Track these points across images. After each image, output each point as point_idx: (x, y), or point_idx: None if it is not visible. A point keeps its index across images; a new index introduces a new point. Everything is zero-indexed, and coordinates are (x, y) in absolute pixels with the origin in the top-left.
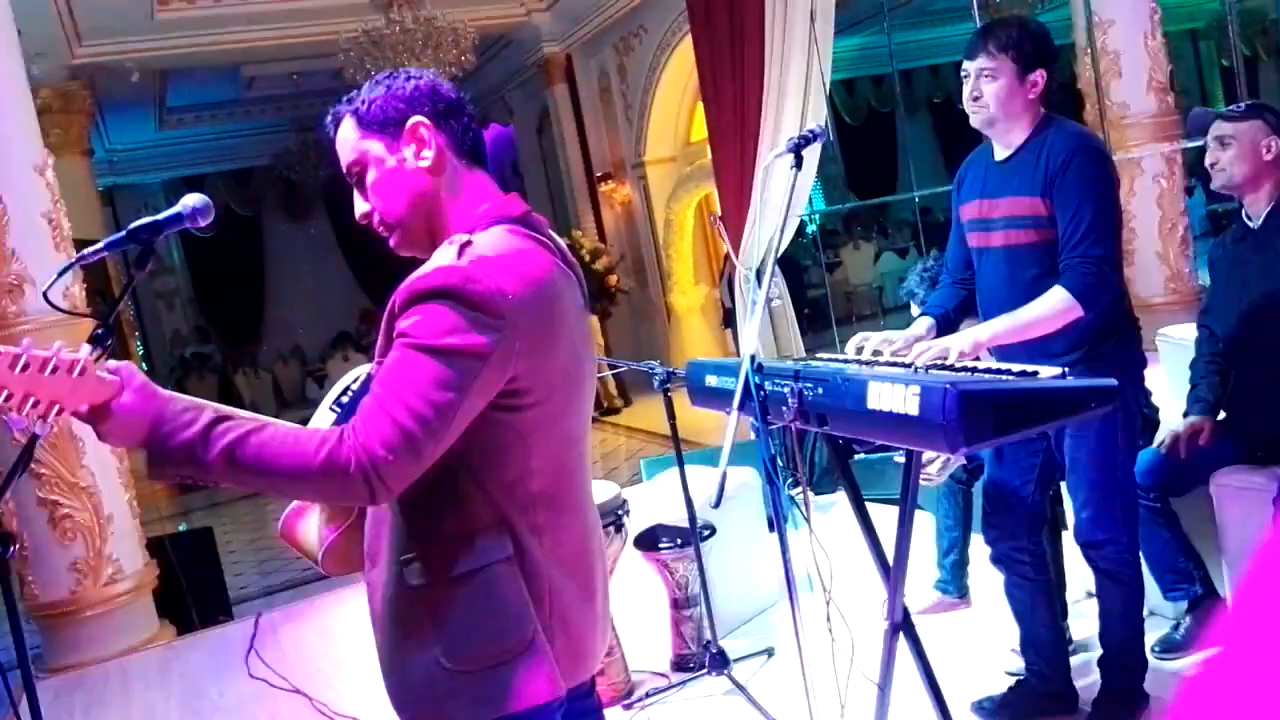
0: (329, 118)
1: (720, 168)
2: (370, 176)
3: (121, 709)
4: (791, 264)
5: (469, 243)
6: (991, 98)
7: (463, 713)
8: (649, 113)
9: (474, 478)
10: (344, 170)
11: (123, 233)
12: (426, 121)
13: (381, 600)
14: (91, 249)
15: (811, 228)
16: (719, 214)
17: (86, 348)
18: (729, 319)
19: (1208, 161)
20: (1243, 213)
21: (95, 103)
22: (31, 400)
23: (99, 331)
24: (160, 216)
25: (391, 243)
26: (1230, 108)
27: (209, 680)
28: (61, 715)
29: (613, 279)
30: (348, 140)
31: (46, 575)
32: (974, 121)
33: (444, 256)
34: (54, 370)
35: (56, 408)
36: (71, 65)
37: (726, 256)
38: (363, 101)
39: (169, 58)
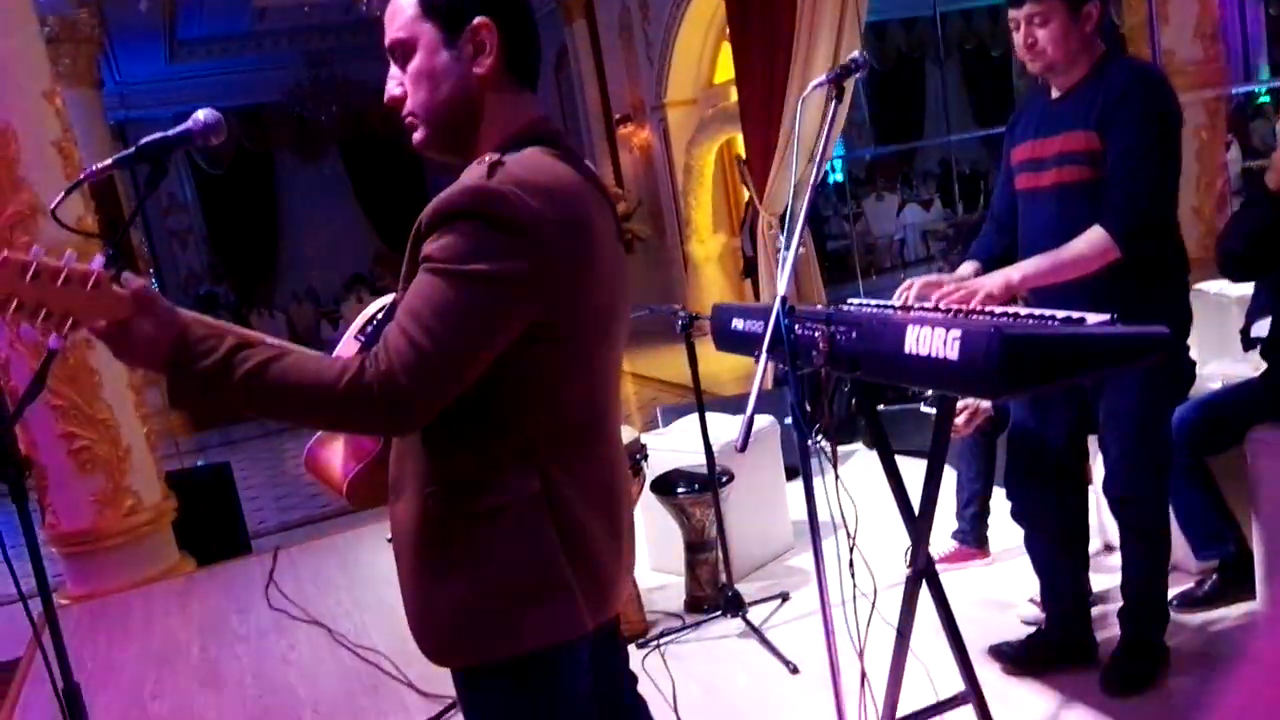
0: None
1: (747, 109)
2: (415, 62)
3: (143, 635)
4: (813, 214)
5: (501, 162)
6: (1048, 42)
7: (486, 647)
8: (671, 52)
9: (502, 410)
10: (386, 43)
11: (132, 149)
12: (493, 25)
13: (406, 533)
14: (100, 164)
15: (834, 177)
16: (744, 158)
17: (100, 259)
18: (749, 268)
19: None
20: None
21: (104, 32)
22: (44, 311)
23: (109, 253)
24: (171, 132)
25: (415, 137)
26: None
27: (229, 610)
28: (85, 640)
29: (630, 226)
30: (402, 12)
31: (67, 506)
32: (1033, 69)
33: (474, 175)
34: (66, 281)
35: (70, 321)
36: None
37: (749, 204)
38: None
39: None
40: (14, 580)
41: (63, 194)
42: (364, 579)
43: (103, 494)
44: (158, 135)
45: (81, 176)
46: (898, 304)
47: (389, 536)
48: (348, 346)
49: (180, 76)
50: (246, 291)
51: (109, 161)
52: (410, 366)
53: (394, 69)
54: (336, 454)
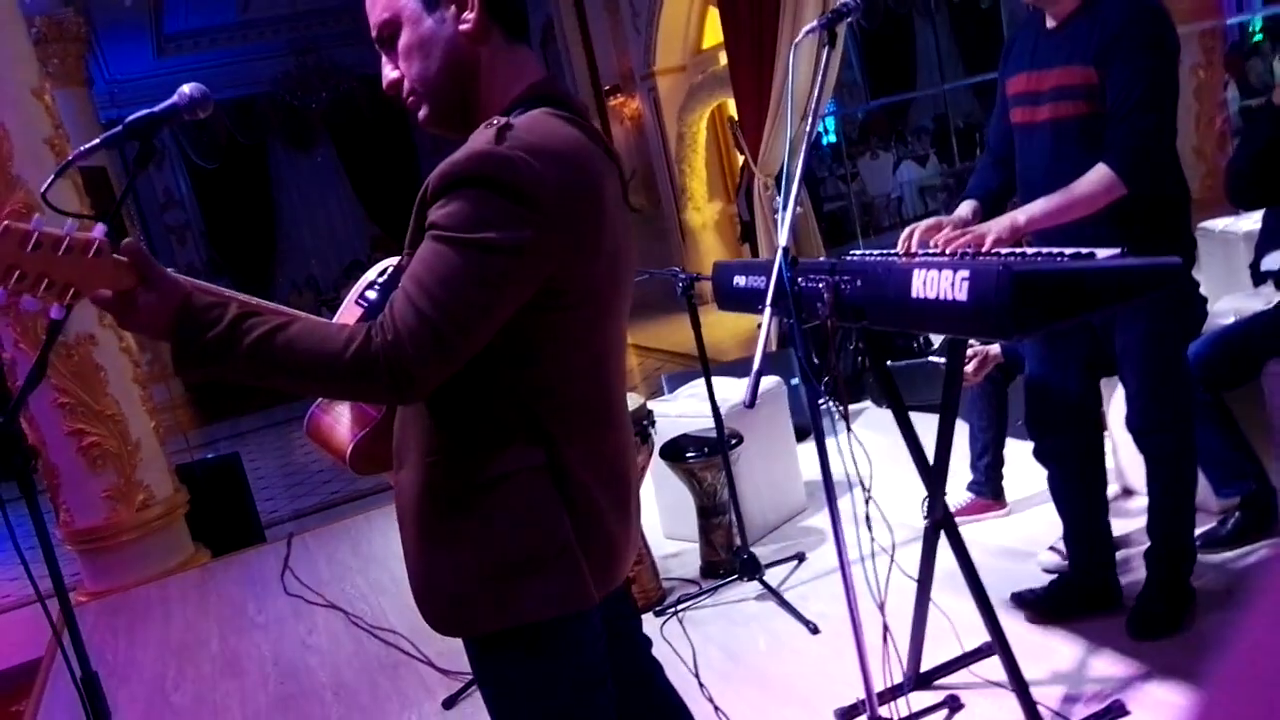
0: None
1: (737, 70)
2: (403, 38)
3: (163, 628)
4: (808, 175)
5: (509, 125)
6: None
7: (488, 618)
8: (658, 20)
9: (508, 379)
10: (373, 33)
11: (119, 128)
12: None
13: (409, 501)
14: (87, 145)
15: (828, 138)
16: (736, 119)
17: (101, 227)
18: (747, 233)
19: None
20: None
21: (91, 31)
22: (46, 281)
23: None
24: (157, 108)
25: (420, 115)
26: None
27: (246, 599)
28: (106, 635)
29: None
30: None
31: (79, 503)
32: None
33: (481, 140)
34: (68, 250)
35: (72, 291)
36: None
37: (744, 168)
38: None
39: None
40: (30, 579)
41: (53, 176)
42: (377, 560)
43: (114, 489)
44: (144, 112)
45: (71, 157)
46: (893, 251)
47: None
48: (349, 311)
49: (169, 71)
50: (246, 283)
51: (97, 141)
52: (416, 335)
53: (385, 56)
54: (339, 421)
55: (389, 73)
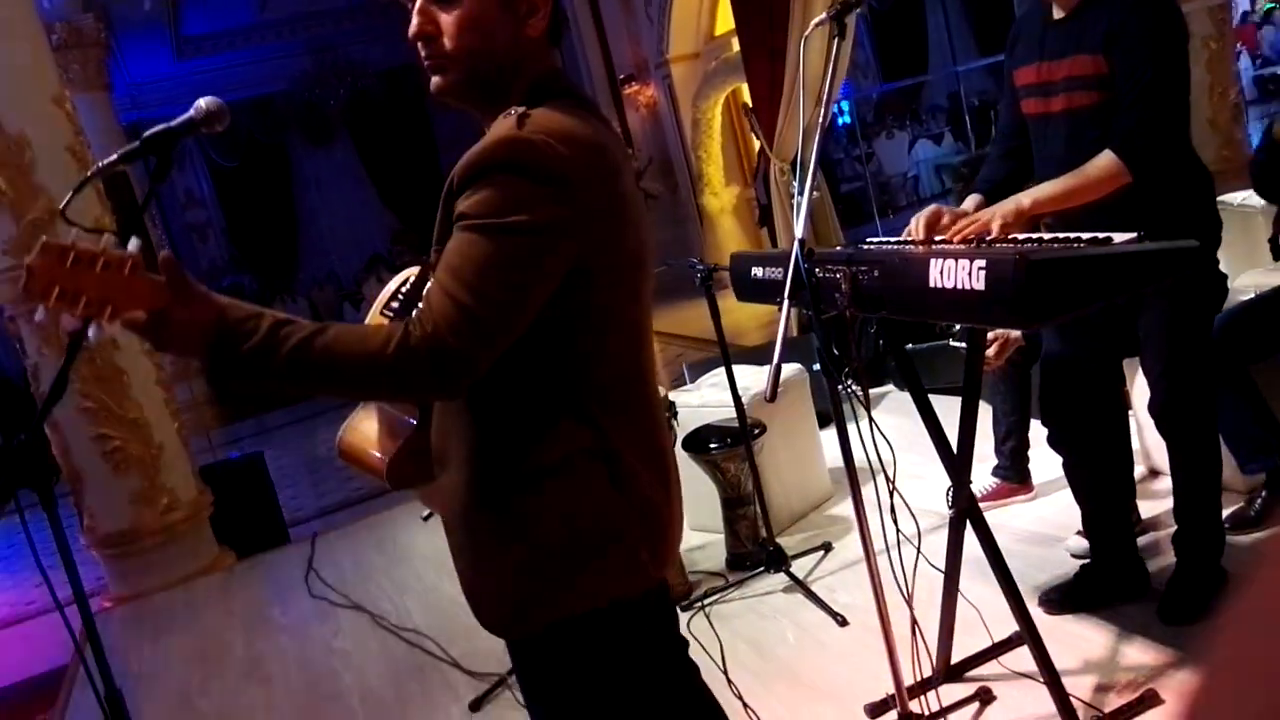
0: None
1: (749, 57)
2: (466, 8)
3: (188, 632)
4: (824, 158)
5: (527, 114)
6: None
7: (555, 608)
8: (671, 8)
9: (548, 365)
10: None
11: (137, 143)
12: None
13: (458, 503)
14: (106, 161)
15: (843, 119)
16: (750, 106)
17: (135, 241)
18: (765, 217)
19: None
20: None
21: (110, 35)
22: (84, 299)
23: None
24: (174, 123)
25: (437, 80)
26: None
27: (271, 601)
28: (131, 642)
29: (642, 185)
30: None
31: (104, 508)
32: None
33: (504, 128)
34: (105, 265)
35: (110, 308)
36: None
37: (760, 152)
38: None
39: None
40: (51, 592)
41: (71, 193)
42: (402, 559)
43: (138, 493)
44: (161, 127)
45: (89, 174)
46: (909, 240)
47: (425, 514)
48: (375, 320)
49: (189, 73)
50: (268, 280)
51: (114, 157)
52: (456, 325)
53: (423, 5)
54: (371, 437)
55: (424, 23)
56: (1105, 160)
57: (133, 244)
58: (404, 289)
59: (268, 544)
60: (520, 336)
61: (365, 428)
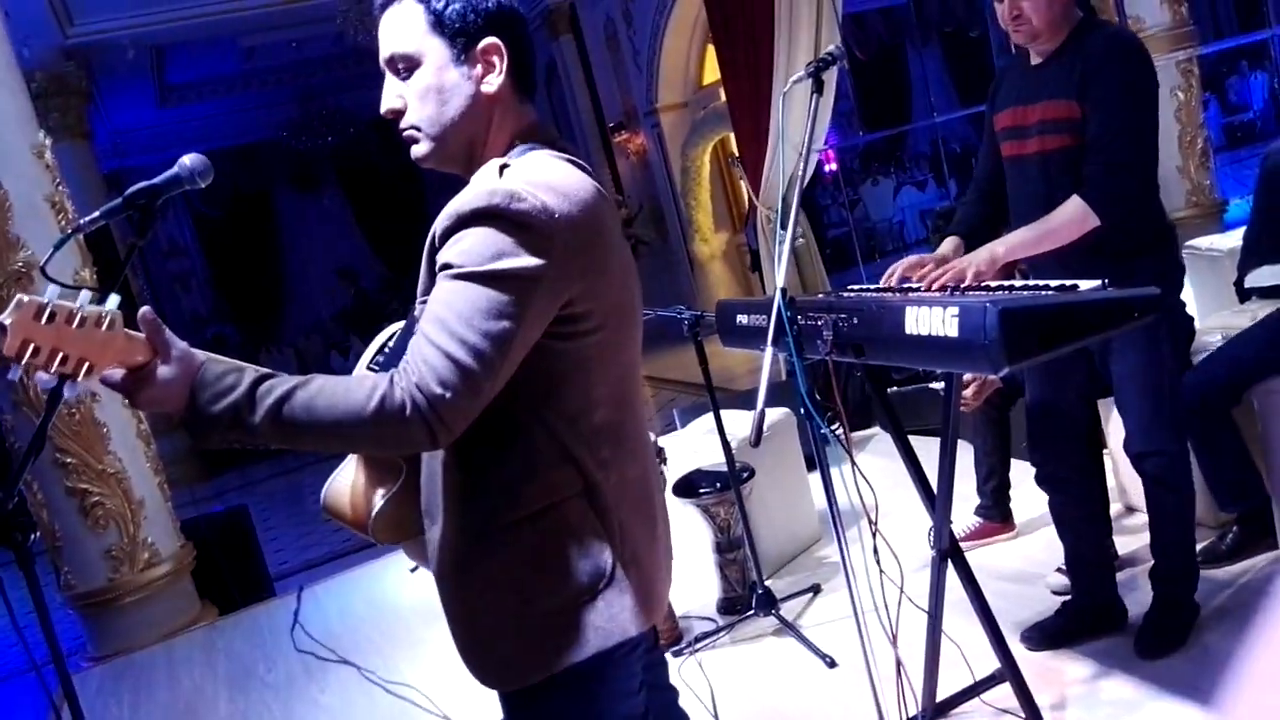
0: None
1: (735, 107)
2: (421, 80)
3: (169, 691)
4: (811, 204)
5: (508, 164)
6: (1031, 12)
7: (551, 659)
8: (659, 58)
9: (535, 412)
10: (384, 56)
11: (119, 200)
12: (503, 47)
13: (447, 555)
14: (87, 218)
15: (829, 166)
16: (737, 155)
17: (115, 298)
18: (756, 262)
19: None
20: None
21: (92, 83)
22: (60, 356)
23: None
24: (158, 180)
25: (415, 151)
26: None
27: (255, 657)
28: (110, 702)
29: (633, 231)
30: (406, 29)
31: (82, 564)
32: (1016, 39)
33: (484, 178)
34: (81, 323)
35: (86, 365)
36: (64, 46)
37: (751, 199)
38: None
39: (164, 31)
40: (27, 652)
41: (51, 250)
42: (391, 612)
43: (118, 549)
44: (144, 184)
45: (69, 232)
46: (895, 286)
47: (413, 567)
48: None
49: (172, 121)
50: (254, 330)
51: (96, 214)
52: (440, 374)
53: (391, 80)
54: (357, 491)
55: (392, 99)
56: (1072, 206)
57: (111, 301)
58: (389, 343)
59: (252, 598)
60: (507, 385)
61: (350, 481)
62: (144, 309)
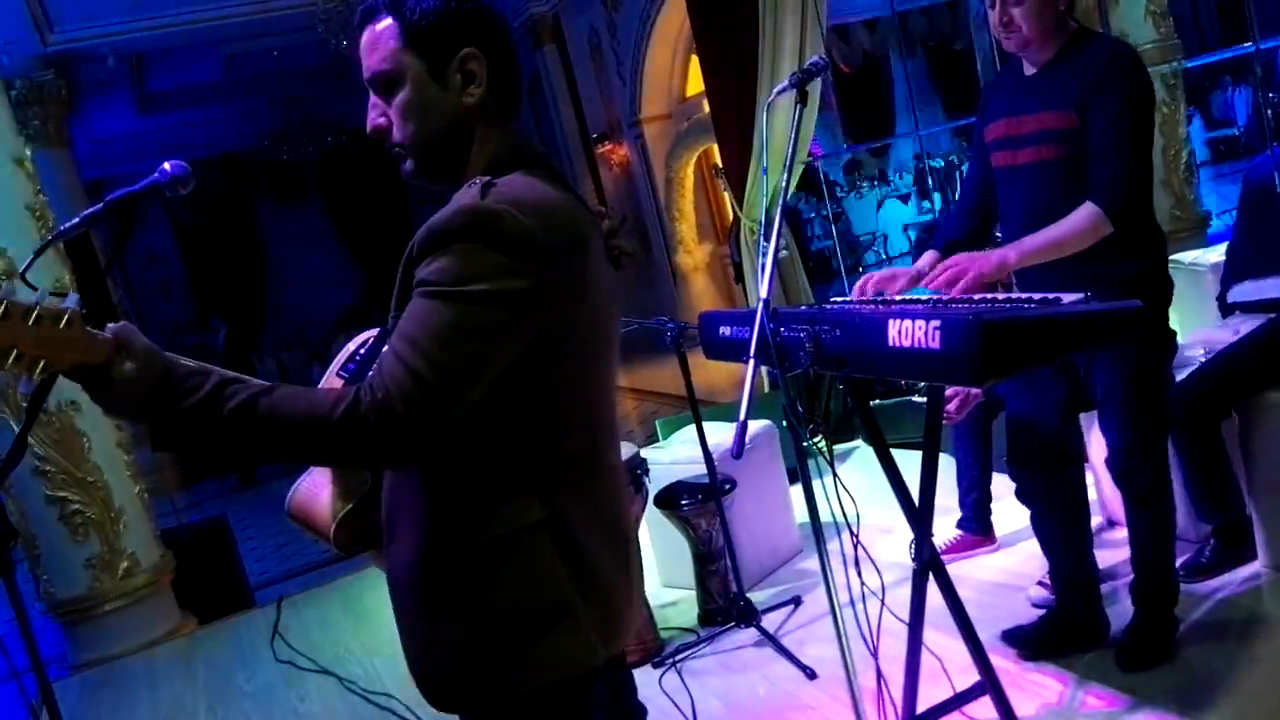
0: (360, 10)
1: (719, 119)
2: (402, 95)
3: (149, 701)
4: (794, 216)
5: (492, 183)
6: (1022, 19)
7: (496, 686)
8: (643, 70)
9: (503, 435)
10: (366, 75)
11: (99, 206)
12: (480, 55)
13: (404, 573)
14: (67, 225)
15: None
16: (721, 166)
17: (74, 296)
18: (739, 274)
19: None
20: None
21: (72, 92)
22: (14, 353)
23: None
24: (138, 186)
25: (403, 167)
26: None
27: (235, 667)
28: (89, 711)
29: (616, 243)
30: (384, 44)
31: (62, 573)
32: (1007, 46)
33: (466, 197)
34: (38, 320)
35: (43, 363)
36: (44, 54)
37: (734, 210)
38: (411, 8)
39: (144, 39)
40: (7, 659)
41: (32, 256)
42: (372, 621)
43: (98, 558)
44: (124, 190)
45: (50, 238)
46: (857, 300)
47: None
48: (330, 382)
49: (153, 129)
50: (234, 339)
51: (76, 220)
52: (408, 393)
53: (374, 99)
54: (322, 498)
55: (375, 117)
56: (1087, 212)
57: (70, 299)
58: (361, 350)
59: (231, 608)
60: (476, 407)
61: (316, 489)
62: (123, 323)
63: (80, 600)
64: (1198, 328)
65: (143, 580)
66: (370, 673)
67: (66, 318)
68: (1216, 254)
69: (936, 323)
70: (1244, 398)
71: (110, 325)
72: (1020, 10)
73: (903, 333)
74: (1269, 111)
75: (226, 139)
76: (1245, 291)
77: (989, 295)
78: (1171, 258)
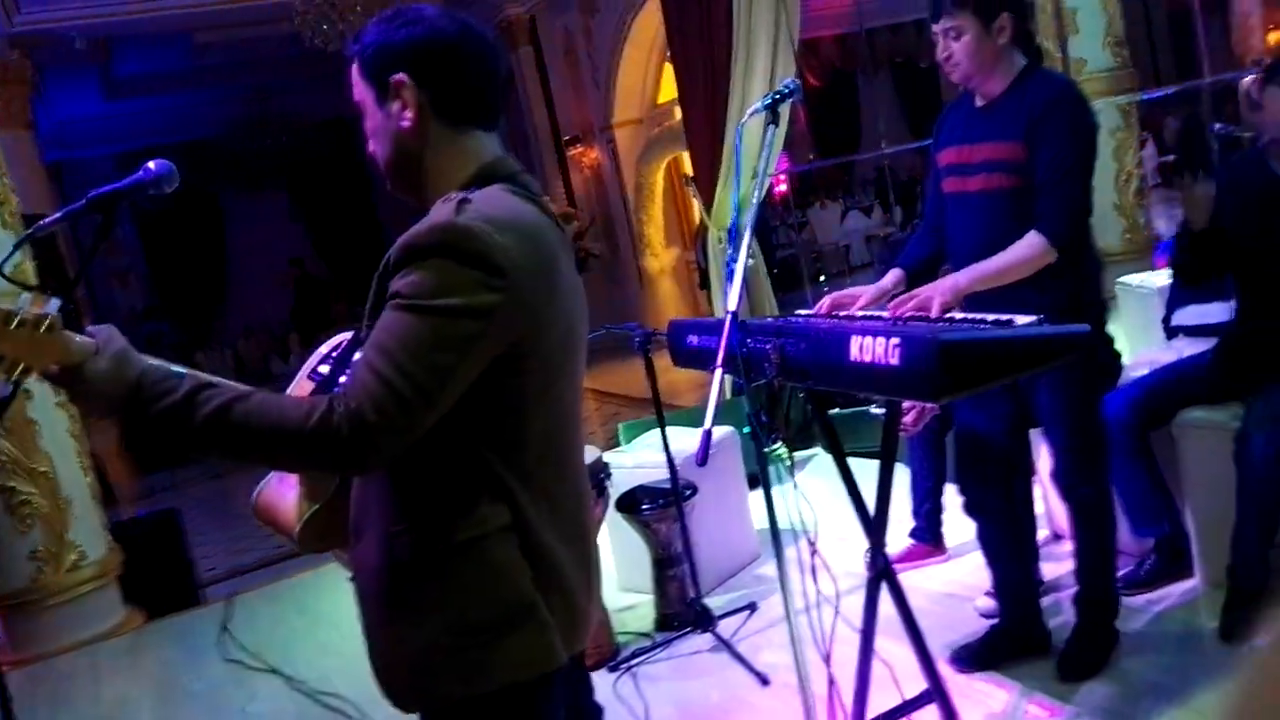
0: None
1: (690, 129)
2: (366, 122)
3: (92, 699)
4: (760, 224)
5: (467, 199)
6: (961, 54)
7: (459, 685)
8: (616, 75)
9: (470, 443)
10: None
11: (82, 201)
12: (408, 81)
13: (371, 575)
14: (49, 218)
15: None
16: (691, 175)
17: (55, 302)
18: (705, 280)
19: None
20: (1270, 162)
21: (37, 73)
22: None
23: (61, 304)
24: (122, 183)
25: (388, 184)
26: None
27: (182, 666)
28: (28, 708)
29: (584, 244)
30: (354, 76)
31: (5, 564)
32: (952, 79)
33: (441, 213)
34: (20, 324)
35: (21, 366)
36: (10, 34)
37: (702, 217)
38: (361, 44)
39: (113, 24)
40: None
41: (11, 249)
42: (325, 621)
43: (44, 550)
44: (109, 187)
45: (29, 231)
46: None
47: (350, 575)
48: (301, 386)
49: (118, 114)
50: (192, 328)
51: (58, 215)
52: (379, 402)
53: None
54: (288, 497)
55: (370, 144)
56: (1034, 240)
57: (52, 303)
58: (334, 353)
59: (180, 605)
60: (444, 417)
61: (282, 489)
62: (105, 325)
63: (23, 592)
64: (1144, 349)
65: (89, 574)
66: (320, 673)
67: (48, 323)
68: (1163, 277)
69: (897, 340)
70: (1172, 413)
71: (90, 328)
72: (959, 46)
73: (864, 349)
74: (1215, 143)
75: (193, 127)
76: (1188, 316)
77: (946, 315)
78: (1120, 280)
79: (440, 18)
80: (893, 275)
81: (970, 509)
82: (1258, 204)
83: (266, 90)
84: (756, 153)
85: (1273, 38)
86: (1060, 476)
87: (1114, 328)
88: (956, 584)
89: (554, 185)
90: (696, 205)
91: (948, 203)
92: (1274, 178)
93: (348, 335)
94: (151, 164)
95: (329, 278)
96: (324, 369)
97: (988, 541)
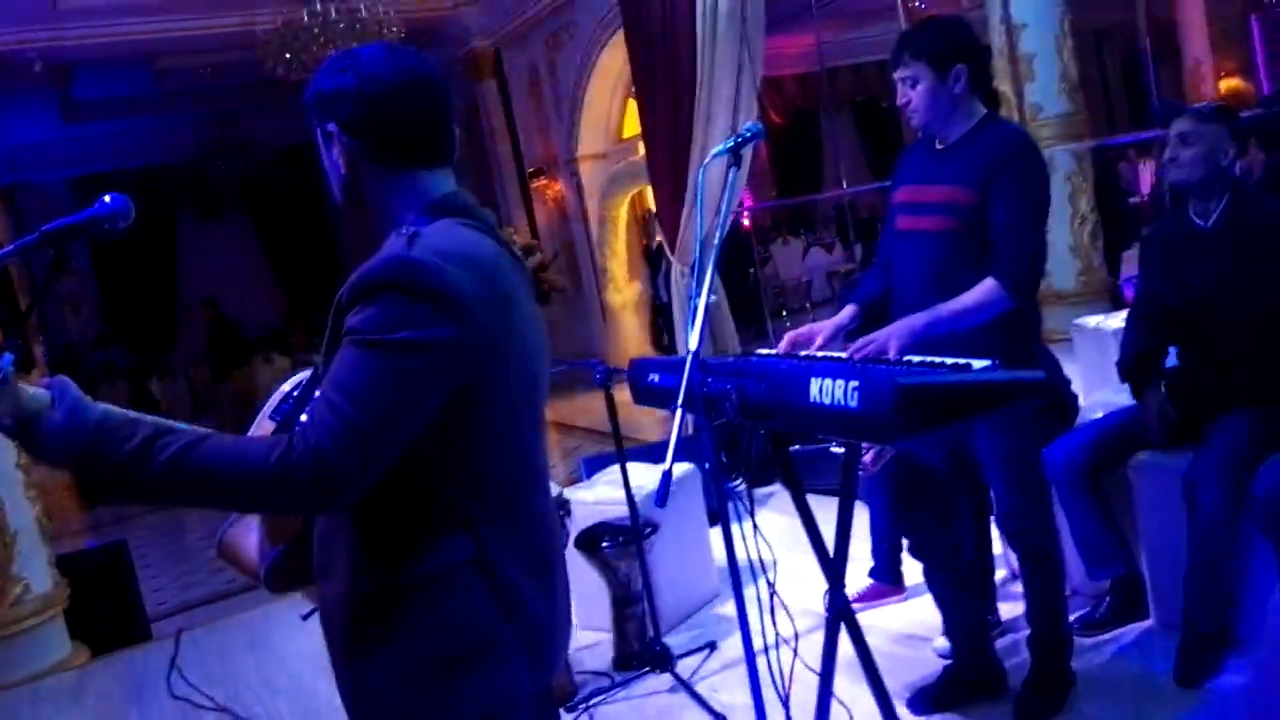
0: None
1: (654, 165)
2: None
3: None
4: (723, 259)
5: (417, 233)
6: (919, 102)
7: (433, 719)
8: (581, 108)
9: (433, 477)
10: None
11: (34, 235)
12: (336, 131)
13: (337, 612)
14: (1, 253)
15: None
16: (654, 210)
17: (8, 357)
18: (661, 312)
19: (1167, 156)
20: (1189, 210)
21: None
22: None
23: (15, 353)
24: (76, 217)
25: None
26: (1198, 106)
27: (128, 704)
28: None
29: (546, 276)
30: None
31: None
32: (911, 122)
33: (393, 247)
34: None
35: None
36: None
37: (660, 252)
38: (308, 89)
39: (73, 48)
40: None
41: None
42: (275, 657)
43: None
44: (61, 221)
45: None
46: (801, 354)
47: (304, 613)
48: (262, 427)
49: (75, 137)
50: (145, 356)
51: (9, 249)
52: (340, 440)
53: None
54: (252, 538)
55: None
56: (989, 287)
57: (5, 359)
58: (295, 392)
59: (127, 640)
60: (406, 452)
61: (247, 528)
62: (59, 376)
63: None
64: (1100, 389)
65: (33, 609)
66: (272, 711)
67: (2, 377)
68: (1119, 319)
69: (856, 383)
70: (1122, 455)
71: (44, 380)
72: (915, 94)
73: (824, 390)
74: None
75: (151, 152)
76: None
77: (904, 359)
78: (1076, 321)
79: (377, 62)
80: (848, 311)
81: (915, 551)
82: (1184, 256)
83: (227, 116)
84: (719, 193)
85: (1223, 85)
86: (1005, 521)
87: (1070, 369)
88: (916, 624)
89: (517, 217)
90: (660, 240)
91: (898, 239)
92: (1192, 229)
93: (306, 374)
94: (107, 198)
95: (284, 314)
96: (286, 407)
97: (933, 583)
